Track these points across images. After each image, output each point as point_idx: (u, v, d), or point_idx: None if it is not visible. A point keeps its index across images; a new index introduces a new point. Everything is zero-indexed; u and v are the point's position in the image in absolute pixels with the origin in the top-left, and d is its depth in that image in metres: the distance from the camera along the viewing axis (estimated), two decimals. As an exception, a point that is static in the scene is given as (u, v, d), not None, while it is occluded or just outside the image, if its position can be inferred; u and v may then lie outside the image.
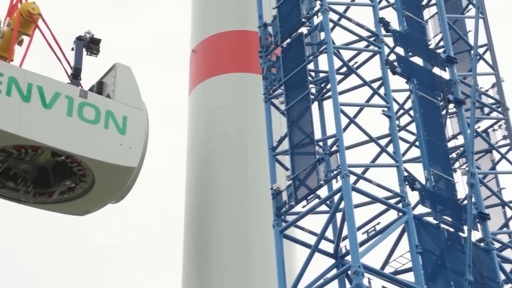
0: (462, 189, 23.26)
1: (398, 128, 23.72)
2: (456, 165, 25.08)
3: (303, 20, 24.30)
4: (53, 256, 75.41)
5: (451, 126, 25.79)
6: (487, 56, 28.20)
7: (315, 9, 24.12)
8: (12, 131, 23.73)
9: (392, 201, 22.23)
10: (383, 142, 23.73)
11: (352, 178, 21.32)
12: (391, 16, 25.61)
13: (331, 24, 24.05)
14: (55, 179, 26.31)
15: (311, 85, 23.81)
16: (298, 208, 22.46)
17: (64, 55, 27.34)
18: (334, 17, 24.69)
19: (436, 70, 25.38)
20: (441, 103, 24.66)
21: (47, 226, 67.46)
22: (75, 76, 26.78)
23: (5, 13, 27.70)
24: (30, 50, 26.90)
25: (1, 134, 23.70)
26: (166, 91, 77.82)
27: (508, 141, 27.04)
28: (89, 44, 27.29)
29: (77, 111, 25.27)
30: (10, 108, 24.00)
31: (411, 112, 24.55)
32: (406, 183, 21.83)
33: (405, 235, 21.26)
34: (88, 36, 27.32)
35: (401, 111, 25.27)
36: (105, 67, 27.77)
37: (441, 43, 26.53)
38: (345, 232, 21.09)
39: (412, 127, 24.52)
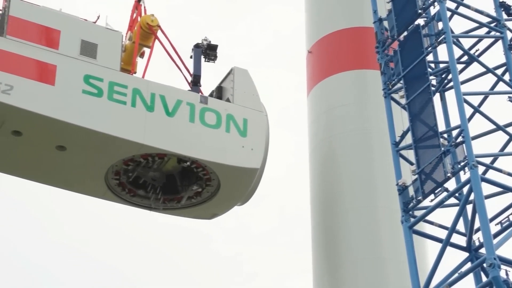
0: None
1: (526, 114, 22.97)
2: None
3: (419, 11, 23.97)
4: (167, 266, 76.60)
5: None
6: None
7: (431, -1, 23.76)
8: (139, 141, 24.84)
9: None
10: (511, 130, 23.07)
11: (481, 169, 20.97)
12: (512, -1, 24.86)
13: (448, 13, 23.74)
14: (182, 184, 27.28)
15: (431, 77, 23.46)
16: (426, 202, 22.15)
17: (183, 63, 28.32)
18: (452, 5, 24.24)
19: None
20: None
21: (162, 234, 69.26)
22: (195, 83, 27.69)
23: (126, 27, 28.78)
24: (151, 61, 27.86)
25: (129, 144, 24.81)
26: (281, 93, 78.28)
27: None
28: (206, 51, 28.04)
29: (199, 117, 26.14)
30: (136, 118, 25.12)
31: (540, 97, 23.67)
32: (540, 171, 21.15)
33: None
34: (205, 43, 28.13)
35: (529, 97, 24.35)
36: (223, 72, 28.37)
37: None
38: (477, 224, 20.75)
39: (542, 112, 23.67)
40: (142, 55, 28.78)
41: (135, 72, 27.91)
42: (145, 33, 28.00)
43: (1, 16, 25.46)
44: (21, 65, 24.07)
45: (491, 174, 22.15)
